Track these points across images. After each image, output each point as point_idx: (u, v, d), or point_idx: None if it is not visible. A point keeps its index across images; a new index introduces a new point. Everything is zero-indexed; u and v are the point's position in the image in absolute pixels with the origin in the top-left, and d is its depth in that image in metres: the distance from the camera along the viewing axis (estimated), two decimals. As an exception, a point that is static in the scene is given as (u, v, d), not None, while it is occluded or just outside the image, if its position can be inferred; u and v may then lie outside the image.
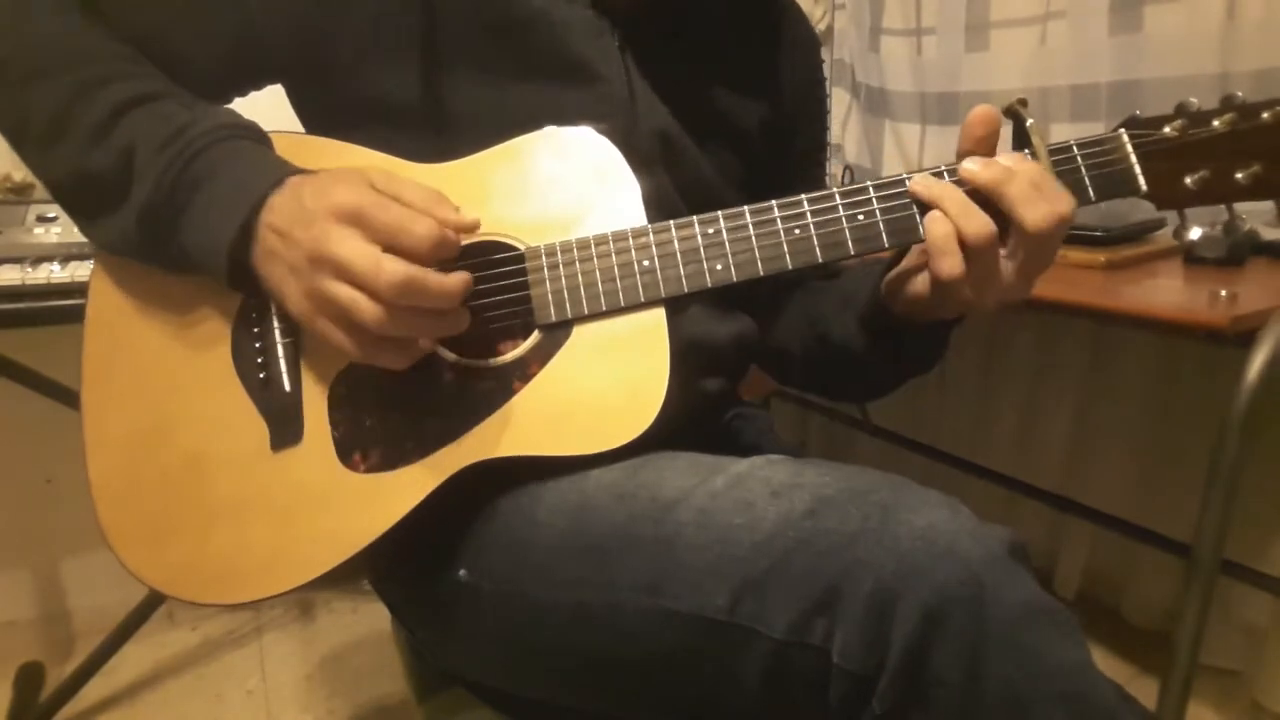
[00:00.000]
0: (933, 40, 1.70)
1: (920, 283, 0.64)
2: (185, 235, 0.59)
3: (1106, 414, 1.56)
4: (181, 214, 0.58)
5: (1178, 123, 0.61)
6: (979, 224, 0.58)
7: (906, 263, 0.67)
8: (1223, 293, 0.92)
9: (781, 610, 0.50)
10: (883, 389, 0.79)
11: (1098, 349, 1.56)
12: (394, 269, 0.51)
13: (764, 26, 0.81)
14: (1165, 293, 1.03)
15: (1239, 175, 0.60)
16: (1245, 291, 0.93)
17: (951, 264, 0.58)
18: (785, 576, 0.50)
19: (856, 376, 0.79)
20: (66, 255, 1.22)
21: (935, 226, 0.59)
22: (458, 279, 0.55)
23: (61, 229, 1.25)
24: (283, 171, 0.58)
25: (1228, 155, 0.60)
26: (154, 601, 1.50)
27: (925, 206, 0.61)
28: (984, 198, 0.59)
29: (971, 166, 0.60)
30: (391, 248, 0.53)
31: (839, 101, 1.99)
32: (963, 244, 0.58)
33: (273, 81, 0.72)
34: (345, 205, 0.53)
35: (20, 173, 1.43)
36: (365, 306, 0.52)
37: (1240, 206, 0.62)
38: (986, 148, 0.61)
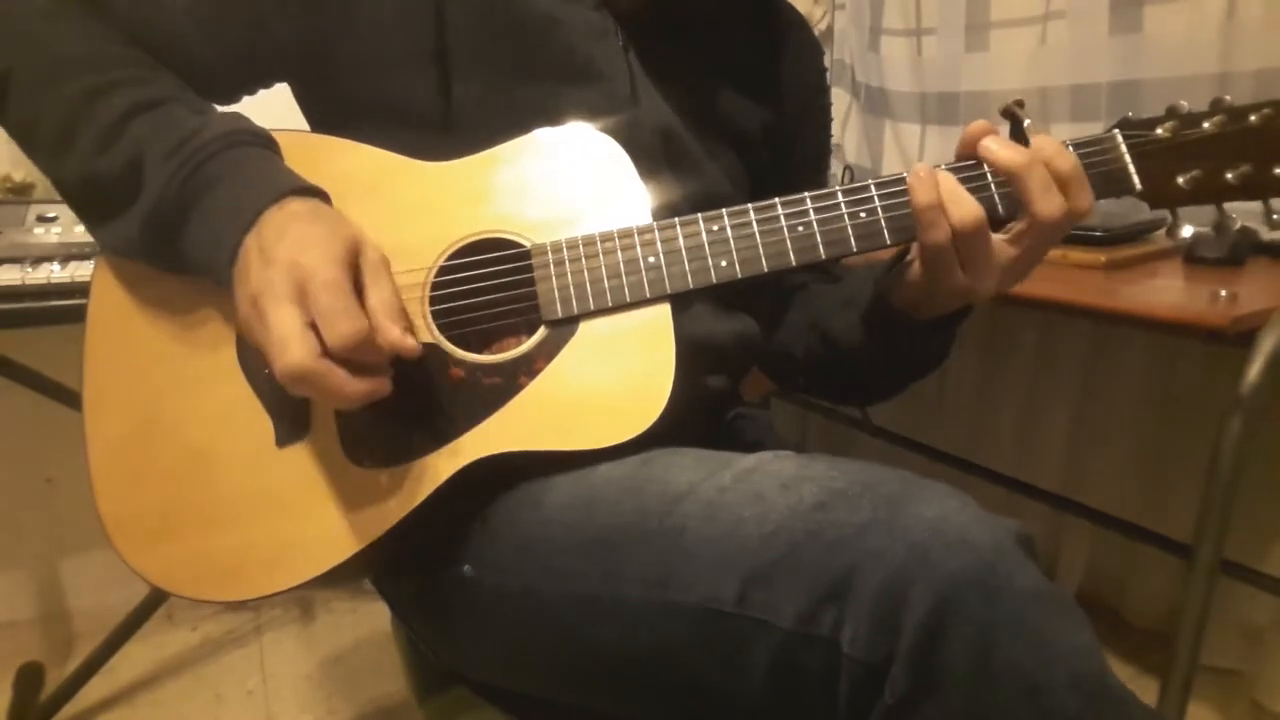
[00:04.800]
0: (933, 40, 1.70)
1: (916, 271, 0.65)
2: (188, 242, 0.59)
3: (1106, 414, 1.56)
4: (185, 221, 0.59)
5: (1170, 124, 0.63)
6: (965, 210, 0.59)
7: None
8: (1223, 293, 0.92)
9: (790, 601, 0.50)
10: (887, 390, 0.80)
11: (1098, 349, 1.56)
12: (292, 358, 0.51)
13: (767, 32, 0.82)
14: (1165, 293, 1.04)
15: (1229, 175, 0.62)
16: (1245, 291, 0.93)
17: (938, 234, 0.60)
18: (794, 567, 0.50)
19: (859, 377, 0.79)
20: (66, 255, 1.21)
21: (917, 196, 0.60)
22: (355, 386, 0.53)
23: (61, 229, 1.25)
24: (283, 186, 0.58)
25: (1218, 156, 0.62)
26: (154, 601, 1.50)
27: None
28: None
29: (990, 145, 0.61)
30: (316, 326, 0.53)
31: (839, 101, 1.99)
32: (951, 230, 0.59)
33: (281, 80, 0.72)
34: (300, 269, 0.53)
35: (20, 173, 1.43)
36: (276, 362, 0.52)
37: (1230, 206, 0.64)
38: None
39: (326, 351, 0.52)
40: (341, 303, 0.53)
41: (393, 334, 0.55)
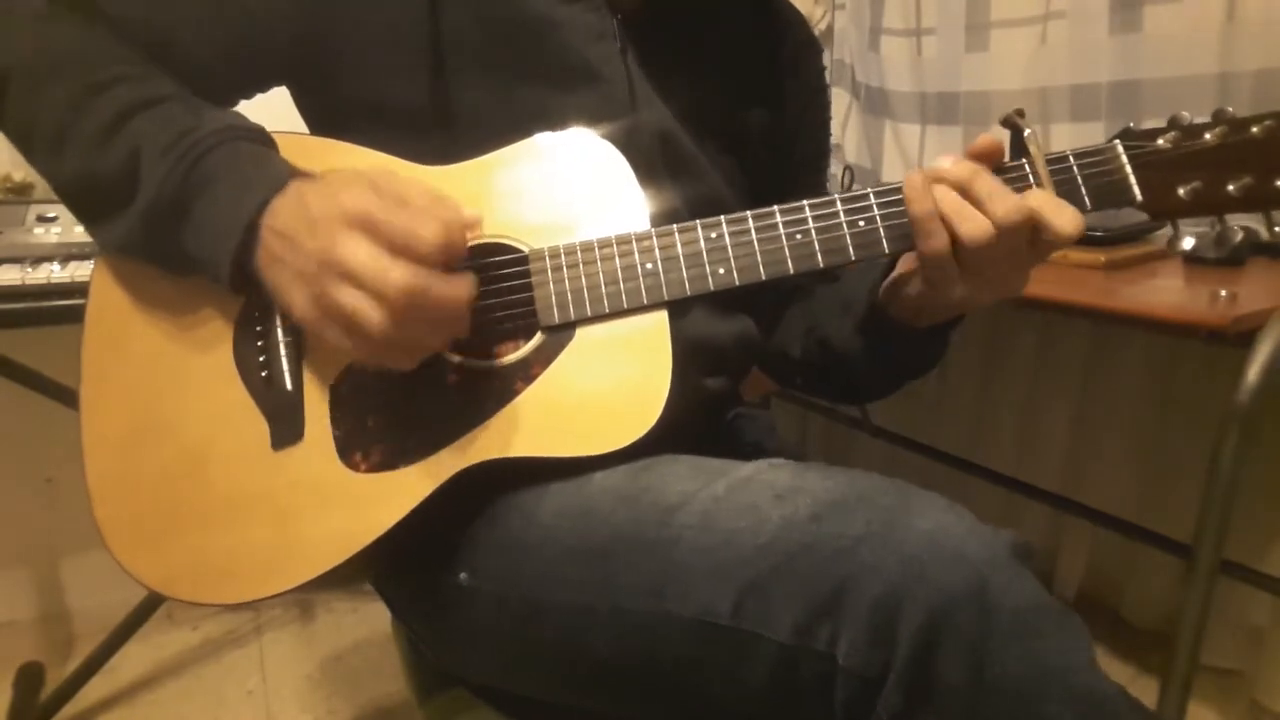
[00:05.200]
0: (933, 40, 1.70)
1: (916, 284, 0.65)
2: (188, 239, 0.59)
3: (1106, 414, 1.56)
4: (185, 218, 0.58)
5: (1171, 135, 0.62)
6: (974, 225, 0.58)
7: (903, 267, 0.67)
8: (1223, 293, 0.92)
9: (785, 614, 0.50)
10: (883, 391, 0.80)
11: (1098, 349, 1.56)
12: (400, 276, 0.51)
13: (766, 32, 0.82)
14: (1165, 293, 1.03)
15: (1230, 187, 0.61)
16: (1245, 291, 0.93)
17: (936, 242, 0.59)
18: (789, 580, 0.50)
19: (856, 380, 0.79)
20: (66, 255, 1.21)
21: (914, 206, 0.60)
22: (463, 285, 0.54)
23: (61, 229, 1.24)
24: (284, 176, 0.58)
25: (1219, 167, 0.61)
26: (154, 601, 1.50)
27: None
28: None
29: (944, 163, 0.61)
30: (399, 252, 0.52)
31: (839, 101, 1.99)
32: (958, 244, 0.59)
33: (279, 84, 0.72)
34: (353, 211, 0.52)
35: (20, 173, 1.43)
36: (372, 312, 0.52)
37: (1232, 217, 0.63)
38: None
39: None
40: (410, 216, 0.52)
41: (459, 215, 0.54)
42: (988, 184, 0.59)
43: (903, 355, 0.73)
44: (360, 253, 0.52)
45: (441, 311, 0.54)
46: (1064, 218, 0.58)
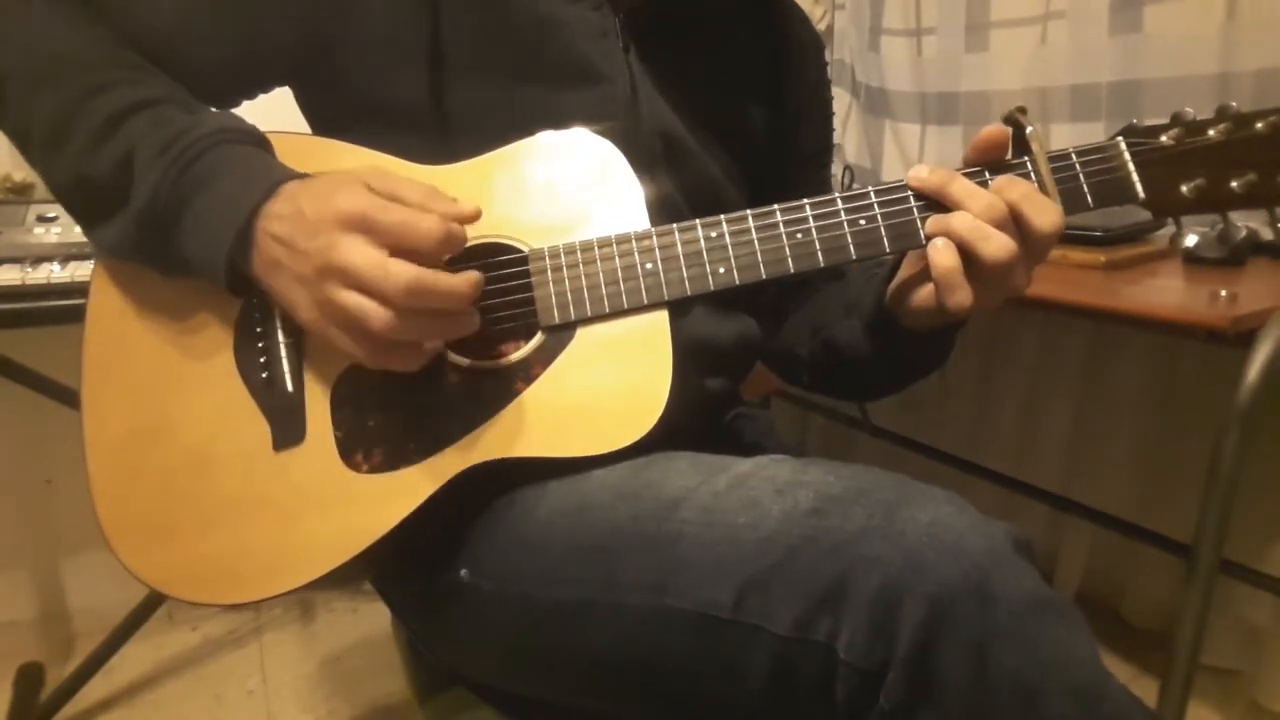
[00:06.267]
0: (933, 40, 1.70)
1: (924, 295, 0.64)
2: (183, 242, 0.59)
3: (1106, 414, 1.56)
4: (179, 221, 0.58)
5: (1174, 131, 0.62)
6: (997, 245, 0.58)
7: (908, 271, 0.67)
8: (1223, 293, 0.92)
9: (786, 607, 0.50)
10: (889, 390, 0.80)
11: (1098, 349, 1.56)
12: (401, 271, 0.51)
13: (768, 29, 0.82)
14: (1165, 293, 1.03)
15: (1234, 184, 0.61)
16: (1245, 291, 0.93)
17: (961, 296, 0.59)
18: (790, 573, 0.50)
19: (863, 379, 0.80)
20: (66, 255, 1.21)
21: (940, 258, 0.60)
22: (466, 278, 0.54)
23: (61, 229, 1.24)
24: (276, 178, 0.58)
25: (1223, 164, 0.61)
26: (154, 601, 1.50)
27: (928, 211, 0.62)
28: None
29: (919, 172, 0.61)
30: (398, 249, 0.52)
31: (839, 101, 1.99)
32: (981, 265, 0.59)
33: (282, 84, 0.72)
34: (349, 211, 0.53)
35: (20, 173, 1.43)
36: (375, 313, 0.52)
37: (1235, 215, 0.63)
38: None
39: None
40: (406, 212, 0.53)
41: (455, 208, 0.54)
42: (962, 187, 0.60)
43: (910, 357, 0.73)
44: (359, 254, 0.52)
45: (446, 305, 0.54)
46: (1042, 213, 0.59)
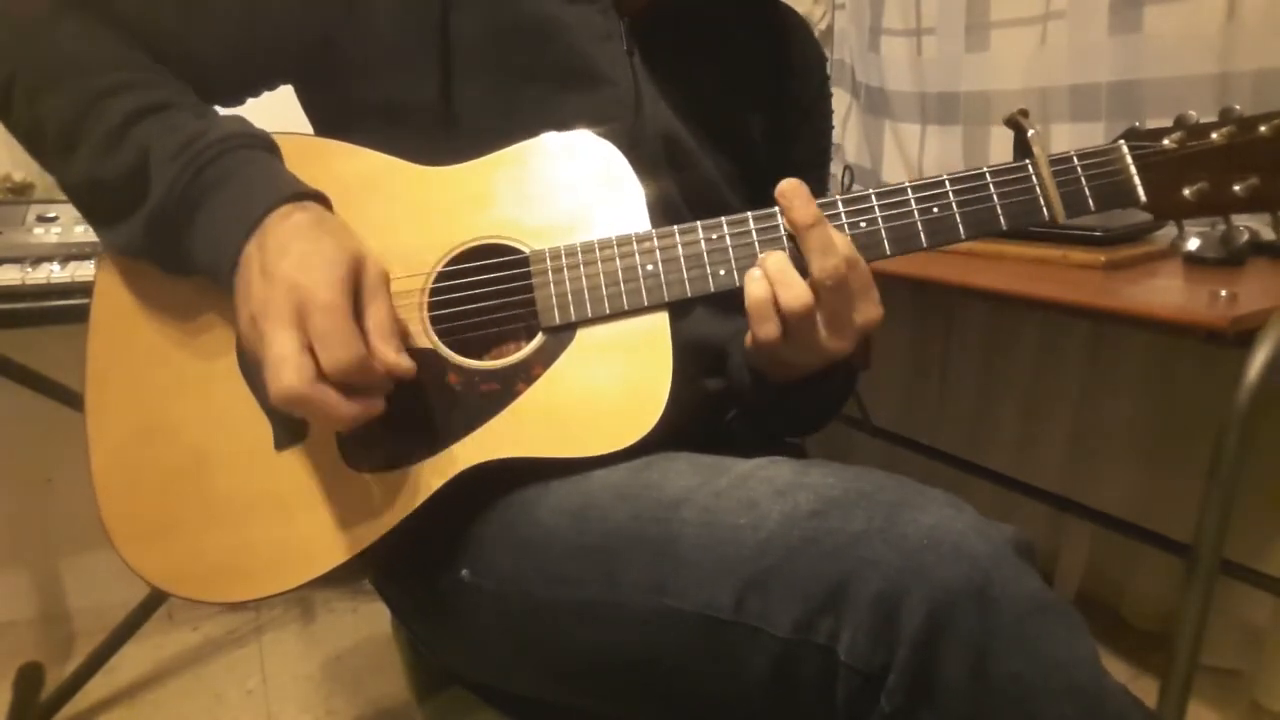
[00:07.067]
0: (933, 40, 1.70)
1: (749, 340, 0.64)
2: (193, 244, 0.60)
3: (1106, 414, 1.56)
4: (190, 223, 0.59)
5: (1177, 135, 0.62)
6: (794, 293, 0.59)
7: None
8: (1223, 293, 0.92)
9: (786, 609, 0.50)
10: (811, 429, 0.82)
11: (1098, 349, 1.56)
12: (286, 382, 0.51)
13: (769, 35, 0.82)
14: (1165, 293, 1.03)
15: (1237, 187, 0.61)
16: (1245, 291, 0.93)
17: (769, 328, 0.60)
18: (790, 575, 0.50)
19: (777, 426, 0.81)
20: (66, 255, 1.21)
21: (753, 288, 0.61)
22: (349, 408, 0.53)
23: (61, 229, 1.24)
24: (285, 192, 0.58)
25: (1226, 167, 0.61)
26: (154, 601, 1.50)
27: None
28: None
29: (790, 195, 0.61)
30: (311, 350, 0.53)
31: (839, 101, 1.99)
32: (778, 310, 0.60)
33: (286, 82, 0.72)
34: (300, 291, 0.53)
35: (20, 173, 1.43)
36: (271, 383, 0.52)
37: (1237, 218, 0.63)
38: None
39: (322, 374, 0.52)
40: (338, 328, 0.53)
41: (388, 358, 0.55)
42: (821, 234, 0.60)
43: (801, 405, 0.74)
44: (279, 337, 0.52)
45: (320, 421, 0.55)
46: (789, 289, 0.59)
